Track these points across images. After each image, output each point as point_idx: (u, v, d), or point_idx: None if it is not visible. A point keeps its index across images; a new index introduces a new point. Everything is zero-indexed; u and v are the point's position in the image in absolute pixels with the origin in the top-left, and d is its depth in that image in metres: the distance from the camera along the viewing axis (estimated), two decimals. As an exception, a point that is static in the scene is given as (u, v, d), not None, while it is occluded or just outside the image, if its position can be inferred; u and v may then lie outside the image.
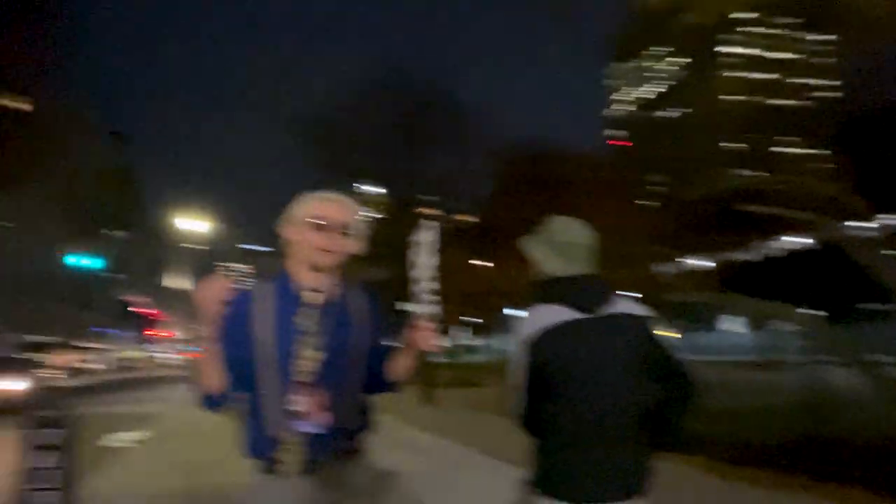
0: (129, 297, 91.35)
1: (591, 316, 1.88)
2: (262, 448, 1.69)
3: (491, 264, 21.14)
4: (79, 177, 77.48)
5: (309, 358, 1.70)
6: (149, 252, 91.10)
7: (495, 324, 34.55)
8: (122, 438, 10.19)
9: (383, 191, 27.21)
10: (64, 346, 66.18)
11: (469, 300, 19.24)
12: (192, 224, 29.05)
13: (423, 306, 1.85)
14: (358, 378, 1.80)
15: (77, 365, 64.19)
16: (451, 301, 21.24)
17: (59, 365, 58.48)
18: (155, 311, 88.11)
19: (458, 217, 28.33)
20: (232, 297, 1.72)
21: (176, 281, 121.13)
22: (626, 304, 1.95)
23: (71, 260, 19.33)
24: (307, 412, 1.66)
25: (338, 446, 1.72)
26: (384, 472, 1.87)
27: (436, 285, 1.86)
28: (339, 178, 26.22)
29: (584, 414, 1.82)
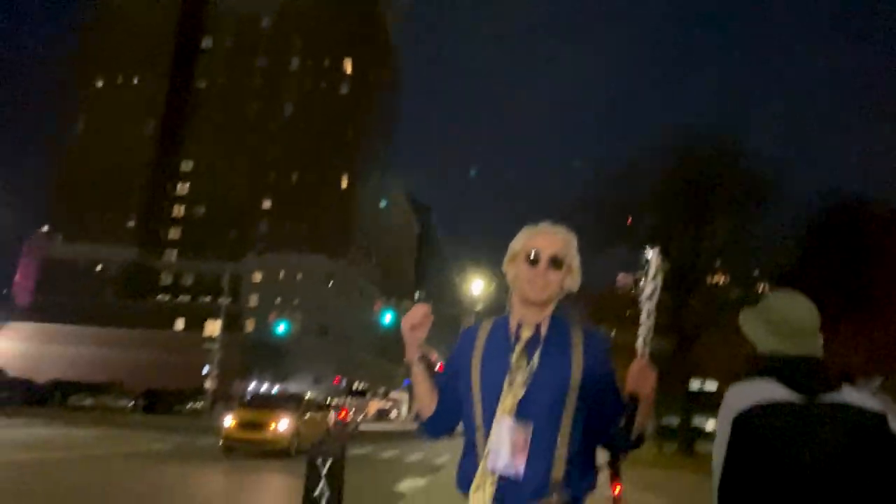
0: (430, 354, 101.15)
1: (810, 402, 1.62)
2: (465, 483, 1.63)
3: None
4: (393, 243, 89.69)
5: (512, 395, 1.61)
6: (445, 311, 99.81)
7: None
8: (409, 485, 11.07)
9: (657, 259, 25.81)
10: (377, 395, 75.69)
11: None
12: (474, 284, 31.38)
13: (643, 341, 1.61)
14: (569, 423, 1.62)
15: (383, 412, 72.59)
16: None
17: (370, 410, 66.85)
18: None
19: (759, 288, 25.42)
20: (464, 332, 1.79)
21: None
22: (857, 395, 1.66)
23: (386, 318, 22.68)
24: (504, 452, 1.56)
25: (538, 493, 1.56)
26: None
27: (651, 319, 1.63)
28: (620, 246, 25.69)
29: None
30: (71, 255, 74.48)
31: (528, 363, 1.64)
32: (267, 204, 77.54)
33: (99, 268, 75.84)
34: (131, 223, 77.52)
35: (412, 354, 1.72)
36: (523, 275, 1.72)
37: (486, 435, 1.61)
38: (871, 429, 1.58)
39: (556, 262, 1.71)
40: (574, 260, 1.76)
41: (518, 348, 1.66)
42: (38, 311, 68.49)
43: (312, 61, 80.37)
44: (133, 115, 78.18)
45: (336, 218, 73.80)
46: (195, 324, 64.96)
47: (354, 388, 67.99)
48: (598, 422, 1.66)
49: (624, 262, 27.87)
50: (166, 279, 79.60)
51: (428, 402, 1.75)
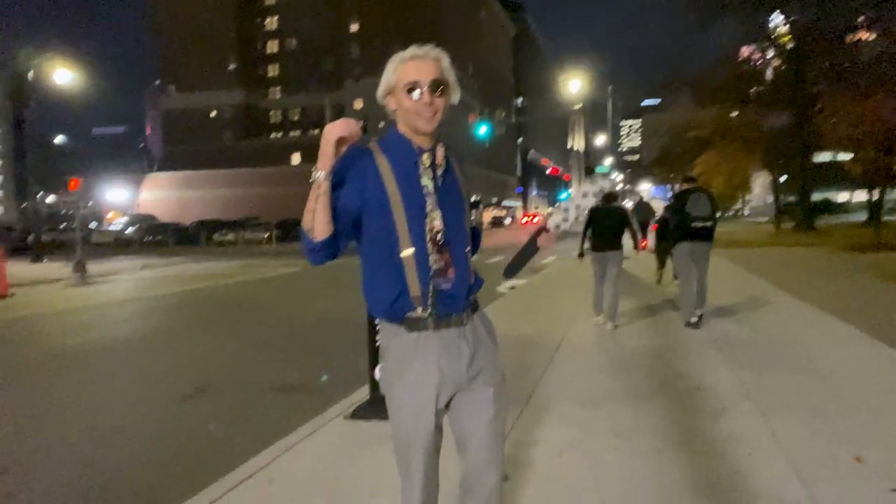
0: (543, 159, 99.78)
1: (606, 206, 7.29)
2: (397, 311, 1.71)
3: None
4: (488, 50, 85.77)
5: (435, 217, 1.70)
6: (549, 113, 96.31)
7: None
8: (506, 285, 11.78)
9: (781, 19, 22.83)
10: (490, 204, 77.68)
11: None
12: (571, 83, 29.79)
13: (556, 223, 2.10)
14: (468, 231, 1.81)
15: (498, 220, 74.85)
16: (873, 147, 17.38)
17: (485, 220, 69.08)
18: (558, 169, 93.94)
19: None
20: (355, 150, 1.66)
21: (577, 141, 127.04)
22: (622, 204, 8.54)
23: (481, 131, 21.51)
24: (439, 269, 1.70)
25: (467, 296, 1.76)
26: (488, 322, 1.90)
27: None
28: (728, 17, 23.06)
29: (603, 231, 7.31)
30: (186, 105, 78.35)
31: (435, 187, 1.72)
32: (354, 27, 75.59)
33: (213, 114, 79.60)
34: (232, 66, 79.15)
35: (325, 166, 1.55)
36: (409, 107, 1.69)
37: (421, 260, 1.68)
38: (622, 211, 7.47)
39: (438, 87, 1.69)
40: (451, 75, 1.73)
41: (428, 174, 1.72)
42: (171, 160, 74.50)
43: None
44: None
45: (424, 30, 70.98)
46: (311, 157, 67.82)
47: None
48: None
49: (733, 37, 25.18)
50: (276, 117, 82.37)
51: (325, 222, 1.60)
